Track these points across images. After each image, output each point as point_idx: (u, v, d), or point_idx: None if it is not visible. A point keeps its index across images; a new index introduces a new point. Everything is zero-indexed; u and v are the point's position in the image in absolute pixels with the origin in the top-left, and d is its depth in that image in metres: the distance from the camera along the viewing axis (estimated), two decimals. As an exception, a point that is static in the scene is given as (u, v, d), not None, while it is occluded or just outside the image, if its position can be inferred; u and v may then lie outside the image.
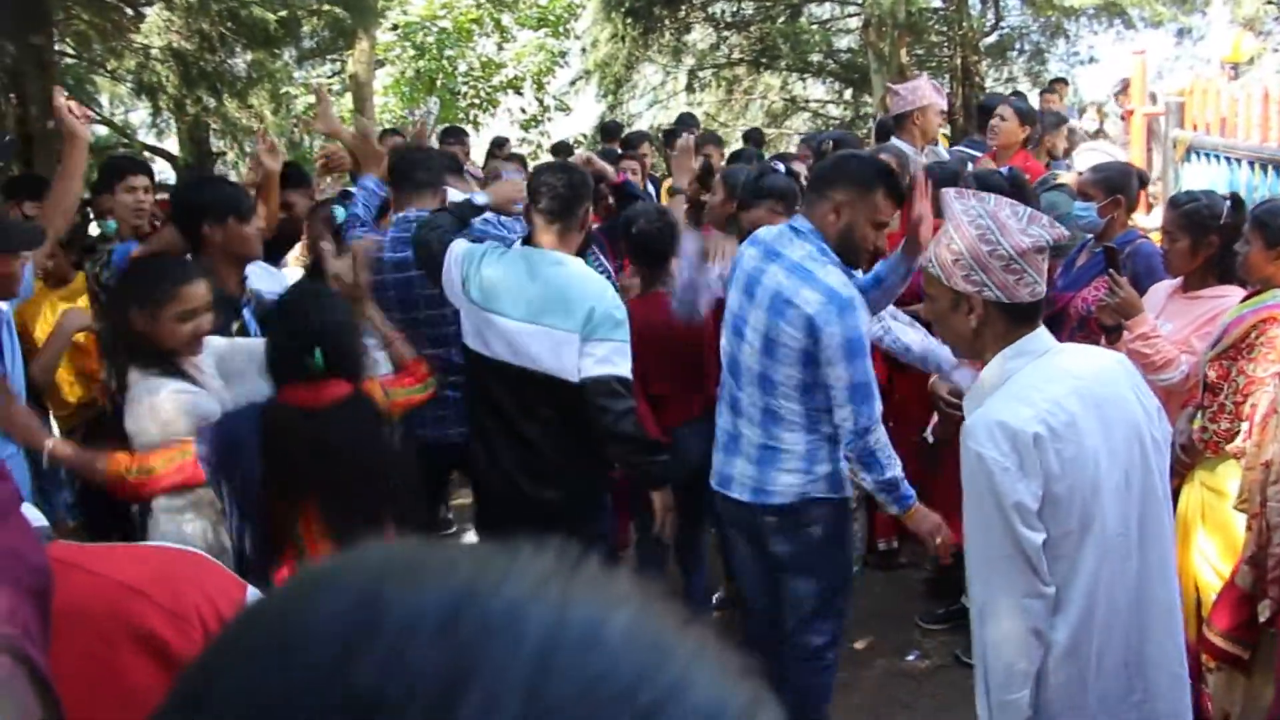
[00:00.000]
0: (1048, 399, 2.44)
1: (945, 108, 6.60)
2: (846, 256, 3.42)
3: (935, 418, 4.62)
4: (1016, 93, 9.83)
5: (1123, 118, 9.43)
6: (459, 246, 3.71)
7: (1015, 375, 2.51)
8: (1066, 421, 2.42)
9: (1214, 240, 3.83)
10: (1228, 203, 3.89)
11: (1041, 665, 2.48)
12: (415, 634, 0.43)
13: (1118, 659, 2.52)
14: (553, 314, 3.53)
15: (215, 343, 3.29)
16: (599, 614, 0.45)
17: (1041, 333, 2.58)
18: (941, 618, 4.95)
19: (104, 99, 15.13)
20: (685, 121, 10.09)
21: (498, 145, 10.75)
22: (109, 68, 12.08)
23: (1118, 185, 4.37)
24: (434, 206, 4.24)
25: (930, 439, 4.69)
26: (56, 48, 10.24)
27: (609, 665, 0.43)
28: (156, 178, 7.16)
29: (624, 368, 3.56)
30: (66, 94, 4.10)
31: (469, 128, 20.12)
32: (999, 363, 2.55)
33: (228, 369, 3.32)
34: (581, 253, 3.88)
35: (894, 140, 6.42)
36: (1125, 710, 2.54)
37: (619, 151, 7.99)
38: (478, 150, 15.62)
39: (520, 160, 8.09)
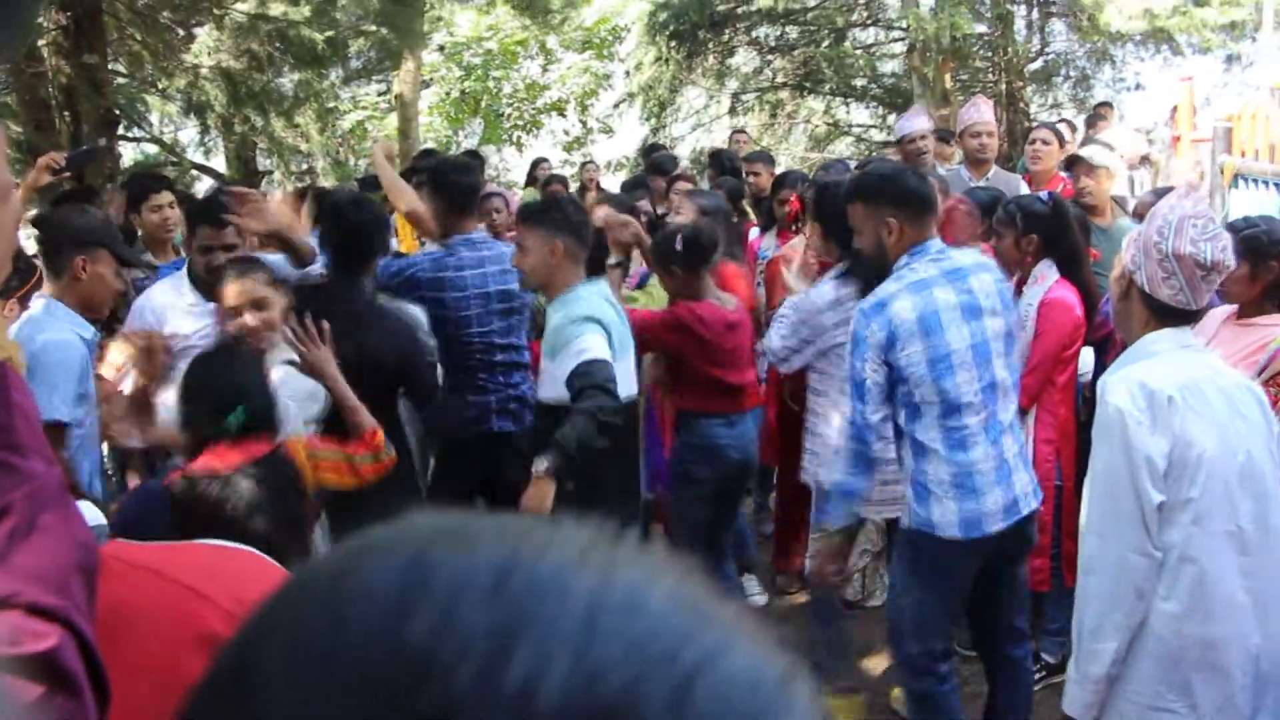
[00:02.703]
0: (1188, 376, 2.60)
1: (980, 129, 6.57)
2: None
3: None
4: (1065, 120, 9.80)
5: (1173, 141, 9.35)
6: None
7: (1160, 354, 2.66)
8: (1201, 399, 2.57)
9: (1274, 266, 3.80)
10: (1287, 229, 3.86)
11: (1142, 630, 2.56)
12: (466, 594, 0.44)
13: (1233, 658, 2.55)
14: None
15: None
16: (641, 581, 0.46)
17: (1189, 330, 2.74)
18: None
19: (154, 117, 15.36)
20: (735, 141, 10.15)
21: (536, 165, 10.84)
22: (160, 87, 12.26)
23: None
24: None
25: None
26: (110, 67, 10.40)
27: (652, 628, 0.44)
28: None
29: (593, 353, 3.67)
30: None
31: (512, 149, 20.29)
32: (1142, 344, 2.71)
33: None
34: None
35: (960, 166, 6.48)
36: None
37: (647, 177, 7.96)
38: (519, 171, 15.70)
39: (562, 181, 8.12)
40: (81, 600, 1.22)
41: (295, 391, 3.36)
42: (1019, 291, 4.44)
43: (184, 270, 4.23)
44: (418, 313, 4.28)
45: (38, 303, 3.63)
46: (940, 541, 3.49)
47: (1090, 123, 11.32)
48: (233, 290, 3.62)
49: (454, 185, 4.61)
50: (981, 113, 6.71)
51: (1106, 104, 12.57)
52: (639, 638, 0.44)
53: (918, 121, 7.11)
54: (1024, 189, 6.12)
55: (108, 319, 4.12)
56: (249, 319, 3.55)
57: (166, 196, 5.19)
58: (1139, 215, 4.68)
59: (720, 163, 8.07)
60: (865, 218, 3.52)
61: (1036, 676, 4.56)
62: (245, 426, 2.67)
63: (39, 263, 3.86)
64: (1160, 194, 4.60)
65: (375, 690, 0.42)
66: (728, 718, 0.43)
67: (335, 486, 3.02)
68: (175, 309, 4.05)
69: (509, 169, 20.28)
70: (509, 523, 0.50)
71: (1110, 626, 2.54)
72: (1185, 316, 2.69)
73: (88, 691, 1.19)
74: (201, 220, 4.20)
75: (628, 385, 3.90)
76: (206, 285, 4.02)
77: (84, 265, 3.57)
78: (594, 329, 3.71)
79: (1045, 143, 6.27)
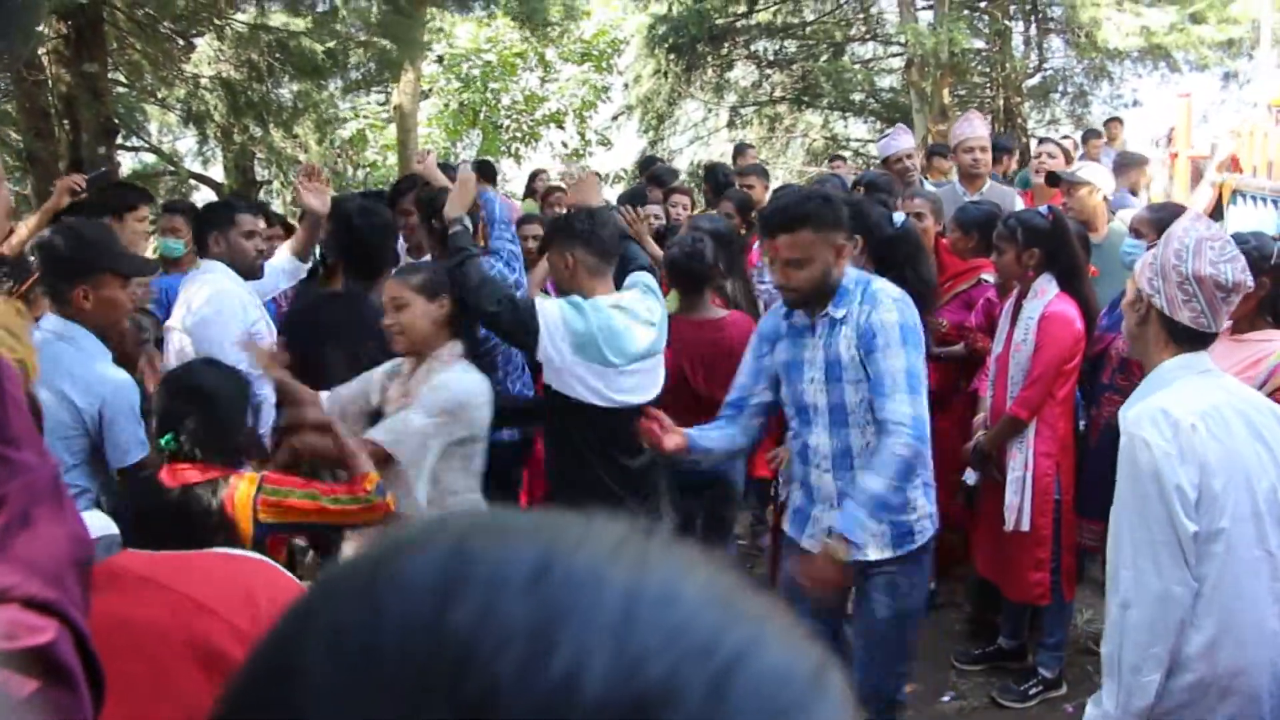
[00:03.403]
0: (1208, 403, 2.57)
1: (974, 144, 6.59)
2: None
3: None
4: (1066, 137, 9.84)
5: (1170, 158, 9.39)
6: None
7: (1178, 382, 2.63)
8: (1223, 426, 2.54)
9: (1264, 282, 3.80)
10: (1278, 244, 3.86)
11: (1176, 658, 2.54)
12: (506, 586, 0.44)
13: (1263, 683, 2.54)
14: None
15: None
16: (675, 575, 0.47)
17: (1206, 355, 2.70)
18: (978, 658, 4.89)
19: (153, 127, 15.36)
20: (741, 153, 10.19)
21: (535, 177, 10.86)
22: (159, 96, 12.27)
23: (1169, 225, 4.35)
24: None
25: (970, 481, 4.66)
26: (110, 76, 10.41)
27: (688, 620, 0.45)
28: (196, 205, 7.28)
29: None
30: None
31: (510, 161, 20.30)
32: (1160, 372, 2.69)
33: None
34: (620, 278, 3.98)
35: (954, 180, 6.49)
36: None
37: (645, 188, 7.98)
38: (517, 183, 15.71)
39: (563, 192, 8.12)
40: (77, 594, 1.22)
41: (430, 407, 3.38)
42: (1019, 306, 4.45)
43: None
44: None
45: (54, 321, 3.44)
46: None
47: (1085, 139, 11.37)
48: (388, 286, 3.66)
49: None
50: (975, 127, 6.72)
51: (1116, 119, 12.62)
52: (676, 629, 0.44)
53: (901, 140, 7.15)
54: (1019, 203, 6.13)
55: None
56: (388, 319, 3.57)
57: (179, 220, 5.36)
58: (1135, 231, 4.69)
59: (715, 178, 8.03)
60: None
61: (1033, 691, 4.56)
62: (174, 453, 2.65)
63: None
64: (1155, 210, 4.62)
65: (416, 682, 0.42)
66: (764, 709, 0.44)
67: (333, 523, 2.97)
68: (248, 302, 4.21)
69: (507, 180, 20.28)
70: (543, 519, 0.50)
71: (1153, 660, 2.51)
72: (1203, 340, 2.67)
73: (83, 685, 1.19)
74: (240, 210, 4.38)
75: (650, 388, 3.88)
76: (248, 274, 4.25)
77: (85, 295, 3.44)
78: (561, 302, 3.74)
79: (1051, 156, 6.31)
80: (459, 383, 3.48)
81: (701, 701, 0.42)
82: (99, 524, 2.32)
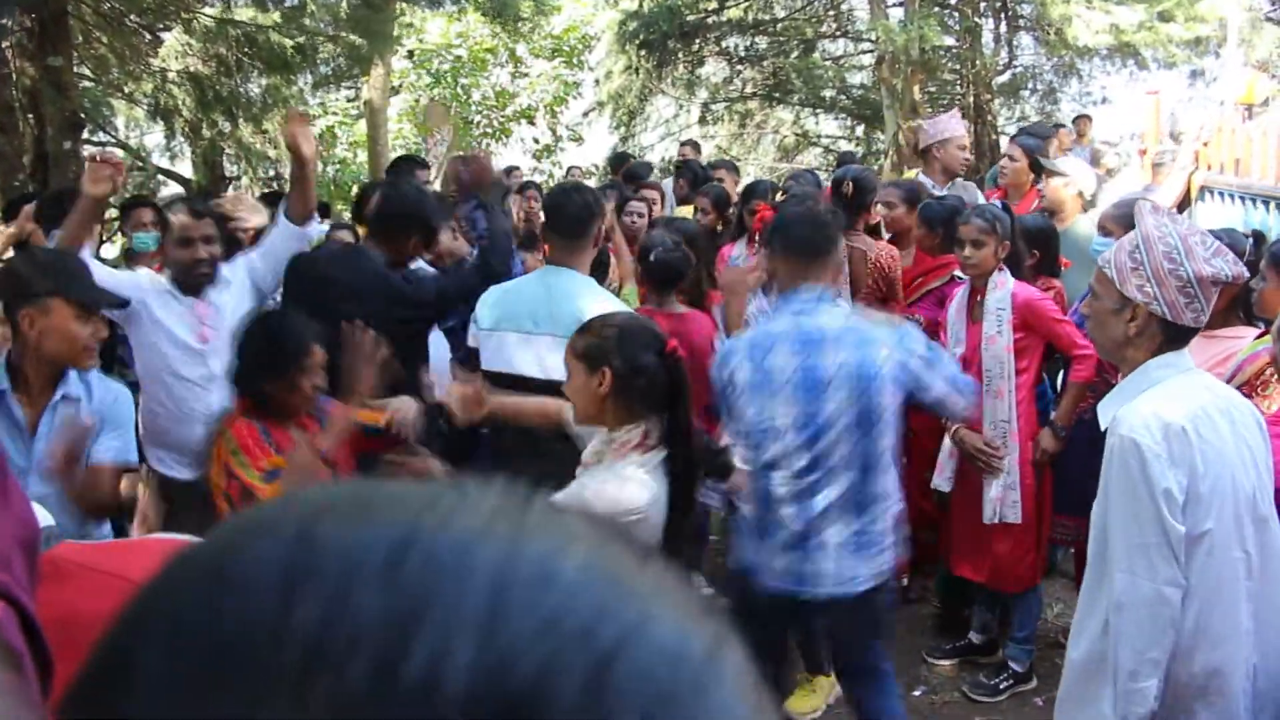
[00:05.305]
0: (1196, 403, 2.54)
1: (965, 143, 6.59)
2: None
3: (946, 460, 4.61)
4: (1025, 131, 9.86)
5: (1139, 154, 9.46)
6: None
7: (1162, 382, 2.60)
8: (1210, 427, 2.52)
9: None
10: (1250, 240, 3.88)
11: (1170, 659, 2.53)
12: (359, 574, 0.40)
13: (1238, 682, 2.54)
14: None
15: None
16: (553, 550, 0.43)
17: (1188, 353, 2.67)
18: (949, 653, 4.91)
19: (120, 122, 15.20)
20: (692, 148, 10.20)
21: (507, 173, 10.81)
22: (126, 90, 12.14)
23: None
24: None
25: (944, 487, 4.66)
26: (75, 70, 10.29)
27: (566, 602, 0.41)
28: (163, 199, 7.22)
29: None
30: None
31: (482, 156, 20.19)
32: (1144, 371, 2.64)
33: None
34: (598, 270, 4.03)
35: (918, 174, 6.46)
36: None
37: (621, 183, 7.97)
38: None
39: (536, 188, 8.09)
40: (23, 575, 1.20)
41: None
42: (973, 302, 4.50)
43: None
44: None
45: None
46: None
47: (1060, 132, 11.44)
48: None
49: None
50: (959, 126, 6.75)
51: (1085, 116, 12.71)
52: (551, 614, 0.40)
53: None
54: (980, 198, 6.16)
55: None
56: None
57: (148, 214, 5.24)
58: (1103, 229, 4.72)
59: (693, 172, 7.99)
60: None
61: (1004, 685, 4.58)
62: None
63: None
64: (1120, 207, 4.64)
65: (258, 685, 0.38)
66: (651, 696, 0.40)
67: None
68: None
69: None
70: (409, 491, 0.45)
71: (1150, 664, 2.49)
72: (1188, 337, 2.65)
73: (31, 669, 1.17)
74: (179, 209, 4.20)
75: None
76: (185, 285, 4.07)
77: (30, 320, 3.15)
78: None
79: (1013, 159, 6.34)
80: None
81: (578, 695, 0.38)
82: (39, 516, 2.31)
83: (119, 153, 4.18)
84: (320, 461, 3.13)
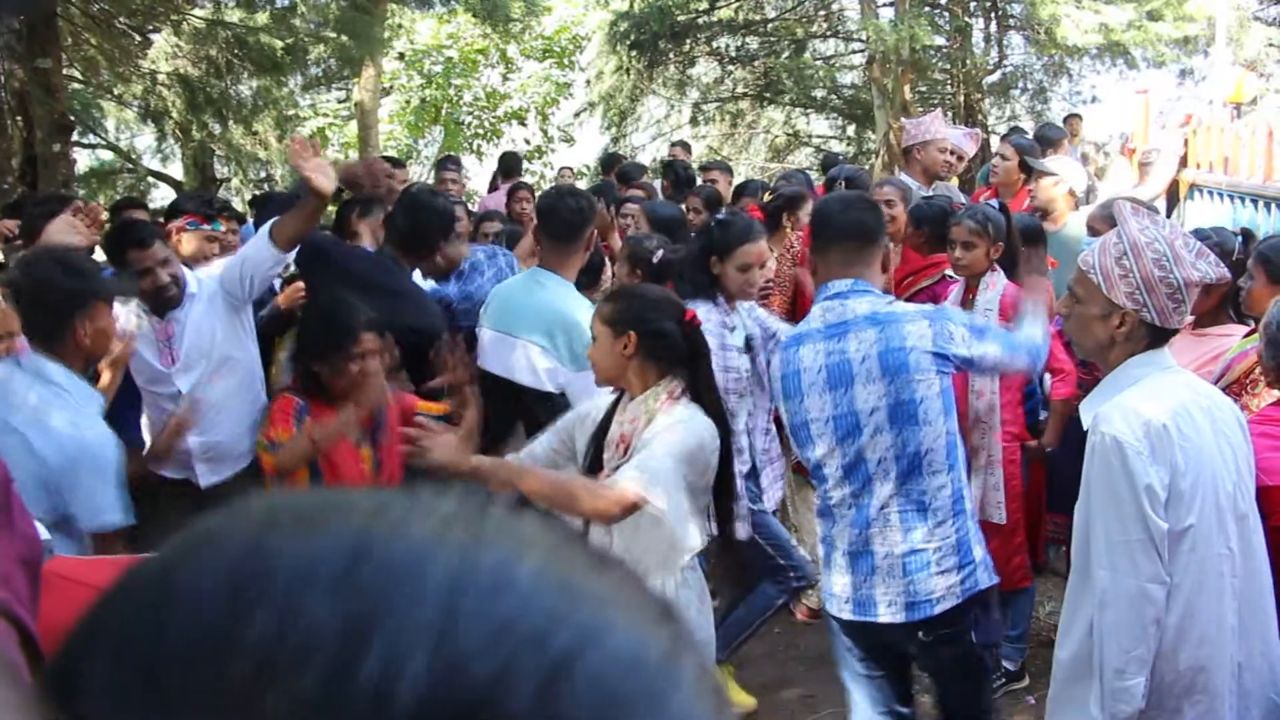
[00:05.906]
0: (1177, 401, 2.54)
1: (949, 145, 6.57)
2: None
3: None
4: (1017, 129, 9.88)
5: (1124, 152, 9.49)
6: None
7: (1143, 380, 2.60)
8: (1191, 425, 2.52)
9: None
10: (1239, 239, 3.90)
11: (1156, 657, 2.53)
12: (311, 584, 0.39)
13: (1223, 680, 2.54)
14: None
15: None
16: (507, 556, 0.42)
17: (1168, 351, 2.68)
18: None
19: (110, 124, 15.17)
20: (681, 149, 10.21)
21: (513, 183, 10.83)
22: (116, 93, 12.12)
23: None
24: None
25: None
26: (65, 72, 10.26)
27: (520, 609, 0.40)
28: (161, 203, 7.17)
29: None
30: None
31: (473, 157, 20.21)
32: (1125, 368, 2.64)
33: None
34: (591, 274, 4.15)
35: (900, 175, 6.47)
36: None
37: (614, 183, 7.97)
38: (480, 180, 15.65)
39: (529, 188, 8.08)
40: (24, 592, 1.20)
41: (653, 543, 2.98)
42: (965, 301, 4.50)
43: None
44: None
45: (33, 359, 3.04)
46: None
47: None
48: None
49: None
50: (944, 128, 6.75)
51: (1075, 115, 12.73)
52: (505, 621, 0.40)
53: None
54: (961, 199, 6.18)
55: None
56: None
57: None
58: (1091, 229, 4.74)
59: (675, 173, 7.98)
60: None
61: (996, 685, 4.58)
62: None
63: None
64: (1107, 208, 4.65)
65: (207, 700, 0.38)
66: (605, 702, 0.40)
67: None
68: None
69: (470, 177, 20.21)
70: (363, 498, 0.45)
71: (1136, 662, 2.48)
72: (1169, 336, 2.66)
73: (29, 682, 1.17)
74: (128, 244, 3.88)
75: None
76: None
77: (85, 329, 3.08)
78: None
79: (1004, 158, 6.39)
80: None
81: (533, 702, 0.38)
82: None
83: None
84: (313, 449, 3.35)
